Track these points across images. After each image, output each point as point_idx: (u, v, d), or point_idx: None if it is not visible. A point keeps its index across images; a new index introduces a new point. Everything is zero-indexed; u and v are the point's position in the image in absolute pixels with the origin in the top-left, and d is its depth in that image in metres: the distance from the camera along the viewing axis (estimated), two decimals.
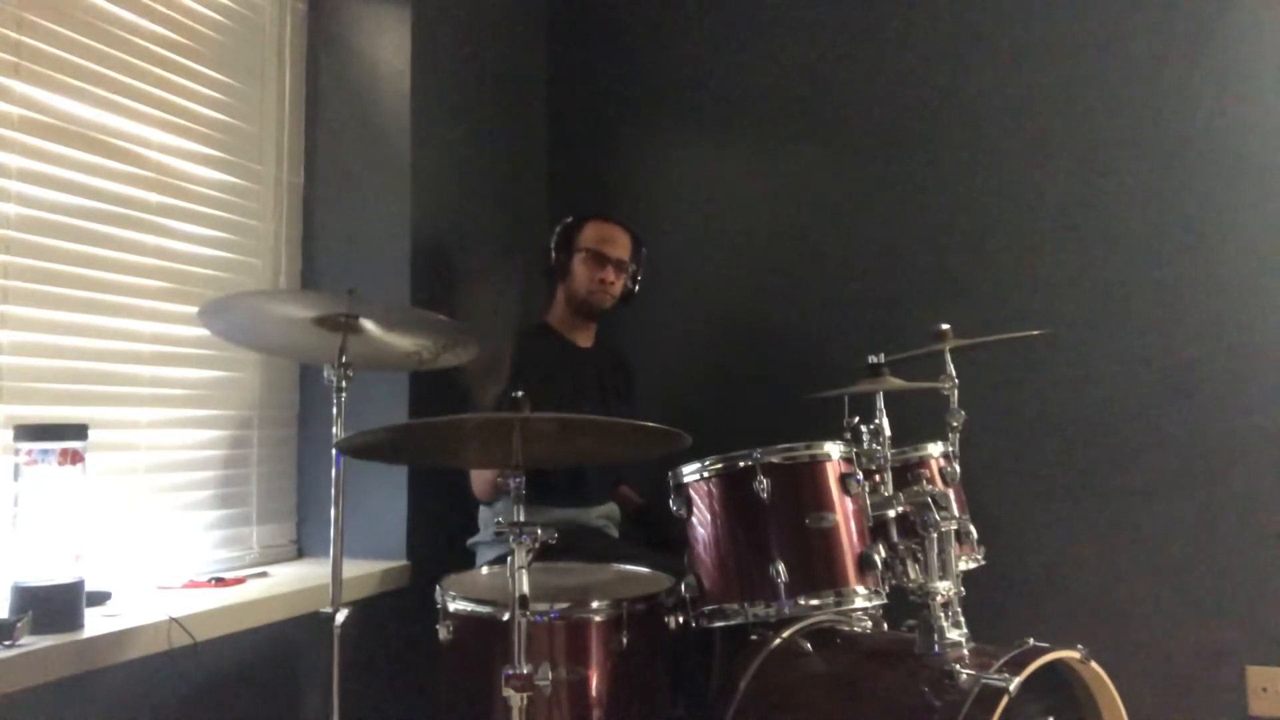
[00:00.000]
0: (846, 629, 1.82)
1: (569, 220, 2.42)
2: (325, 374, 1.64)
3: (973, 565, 2.03)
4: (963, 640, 1.64)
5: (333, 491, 1.63)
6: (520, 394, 1.40)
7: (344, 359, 1.63)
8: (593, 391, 2.37)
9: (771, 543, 1.70)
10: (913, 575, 1.75)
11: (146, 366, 1.95)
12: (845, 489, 1.75)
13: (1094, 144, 2.59)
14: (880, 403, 1.88)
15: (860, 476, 1.78)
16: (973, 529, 2.02)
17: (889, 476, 1.87)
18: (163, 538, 1.97)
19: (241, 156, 2.22)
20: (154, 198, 1.97)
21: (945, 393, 2.16)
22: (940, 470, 2.06)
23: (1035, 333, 2.29)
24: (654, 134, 3.03)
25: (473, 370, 2.26)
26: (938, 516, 1.67)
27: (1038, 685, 1.53)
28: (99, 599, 1.66)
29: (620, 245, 2.38)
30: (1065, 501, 2.54)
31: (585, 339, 2.44)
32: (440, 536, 2.33)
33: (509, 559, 1.44)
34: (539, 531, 1.43)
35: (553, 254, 2.40)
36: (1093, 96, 2.60)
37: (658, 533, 2.34)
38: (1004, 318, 2.51)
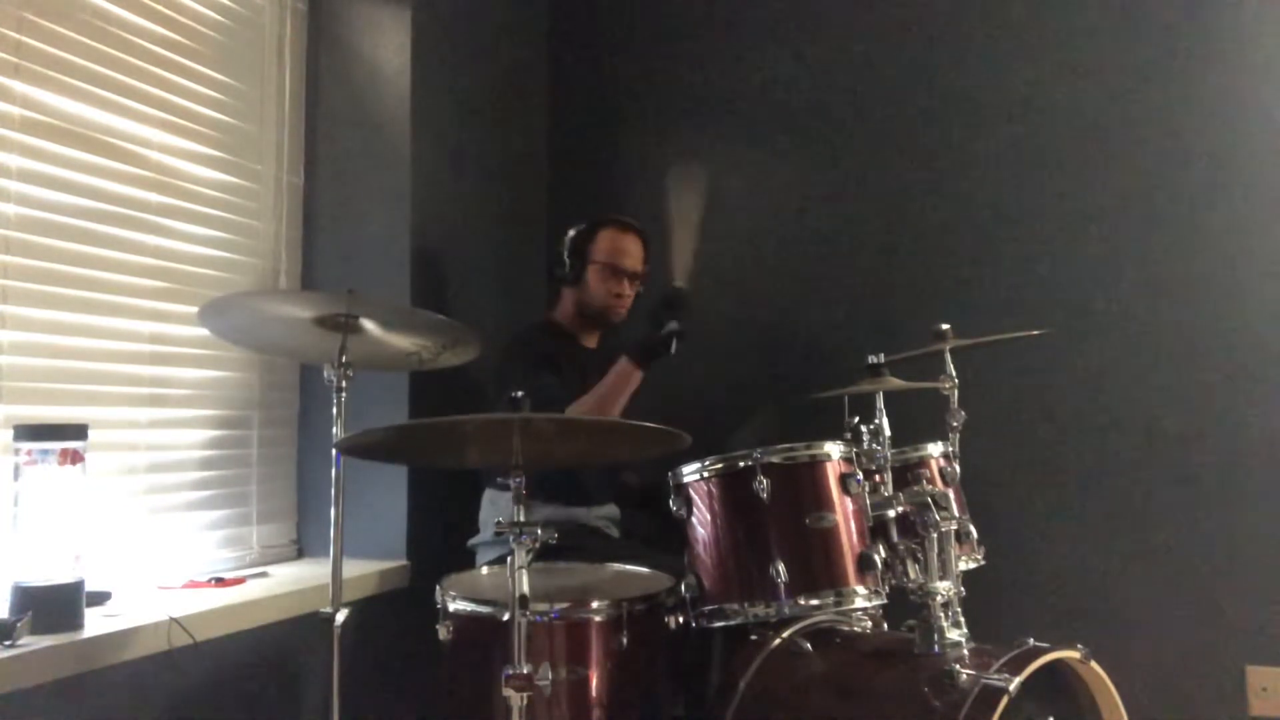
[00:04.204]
0: (846, 629, 1.82)
1: (582, 227, 2.38)
2: (325, 374, 1.64)
3: (973, 565, 2.03)
4: (963, 640, 1.65)
5: (333, 491, 1.63)
6: (520, 394, 1.40)
7: (344, 359, 1.63)
8: None
9: (771, 543, 1.70)
10: (913, 575, 1.75)
11: (146, 366, 1.94)
12: (845, 489, 1.75)
13: (1094, 144, 2.59)
14: (880, 403, 1.88)
15: (860, 476, 1.78)
16: (973, 529, 2.02)
17: (889, 476, 1.87)
18: (163, 538, 1.97)
19: (241, 156, 2.22)
20: (154, 198, 1.97)
21: (945, 393, 2.16)
22: (940, 470, 2.06)
23: (1035, 332, 2.29)
24: (654, 134, 3.03)
25: (477, 370, 2.25)
26: (938, 516, 1.68)
27: (1038, 685, 1.53)
28: (99, 599, 1.66)
29: (634, 256, 2.36)
30: (1065, 501, 2.54)
31: (591, 340, 2.45)
32: (440, 536, 2.33)
33: (509, 559, 1.45)
34: (539, 531, 1.44)
35: (565, 261, 2.37)
36: (1094, 96, 2.59)
37: (659, 518, 2.33)
38: (1004, 318, 2.51)
